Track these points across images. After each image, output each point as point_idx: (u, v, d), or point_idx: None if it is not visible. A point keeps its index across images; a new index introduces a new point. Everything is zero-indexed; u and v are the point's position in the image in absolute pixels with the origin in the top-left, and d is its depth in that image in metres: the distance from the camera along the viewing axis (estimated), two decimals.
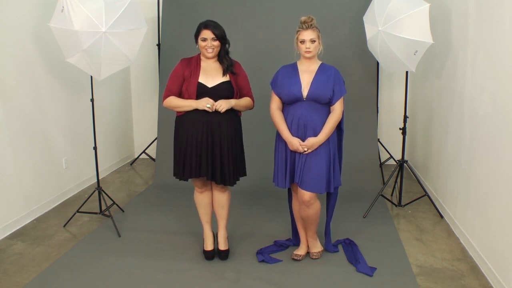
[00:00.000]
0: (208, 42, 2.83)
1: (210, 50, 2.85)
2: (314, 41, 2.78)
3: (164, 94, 2.93)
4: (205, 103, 2.81)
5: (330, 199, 3.08)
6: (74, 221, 3.77)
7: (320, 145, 2.82)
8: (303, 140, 2.82)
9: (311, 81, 2.82)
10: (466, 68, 3.35)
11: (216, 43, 2.85)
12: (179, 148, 2.94)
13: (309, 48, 2.78)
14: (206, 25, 2.84)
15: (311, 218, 2.97)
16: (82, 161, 4.59)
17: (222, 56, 2.92)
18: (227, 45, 2.92)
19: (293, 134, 2.85)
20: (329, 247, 3.18)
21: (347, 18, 4.56)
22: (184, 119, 2.90)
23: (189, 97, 2.86)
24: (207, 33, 2.83)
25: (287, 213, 3.81)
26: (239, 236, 3.41)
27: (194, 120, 2.86)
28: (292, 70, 2.90)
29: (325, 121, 2.83)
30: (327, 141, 2.84)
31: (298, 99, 2.83)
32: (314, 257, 3.07)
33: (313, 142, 2.80)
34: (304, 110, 2.82)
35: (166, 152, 4.82)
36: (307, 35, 2.77)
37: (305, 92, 2.81)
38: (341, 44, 4.52)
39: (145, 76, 5.72)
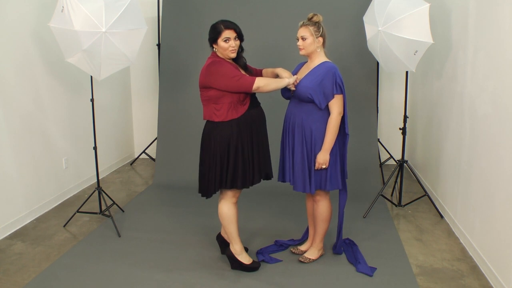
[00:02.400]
0: (232, 42, 2.69)
1: (233, 50, 2.72)
2: (305, 38, 2.75)
3: (249, 80, 2.65)
4: (292, 79, 2.77)
5: (339, 200, 3.06)
6: (74, 221, 3.77)
7: (297, 144, 2.81)
8: (293, 137, 2.83)
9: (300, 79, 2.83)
10: (466, 68, 3.35)
11: (238, 42, 2.74)
12: (235, 154, 2.73)
13: (299, 45, 2.80)
14: (226, 25, 2.68)
15: (316, 218, 2.99)
16: (82, 161, 4.59)
17: (240, 54, 2.82)
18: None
19: (284, 131, 2.92)
20: (335, 249, 3.15)
21: (347, 18, 4.56)
22: (234, 122, 2.72)
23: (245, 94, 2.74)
24: (229, 33, 2.68)
25: (289, 214, 3.82)
26: (240, 236, 3.40)
27: (246, 120, 2.75)
28: (300, 67, 2.95)
29: (308, 120, 2.78)
30: (303, 140, 2.79)
31: (288, 96, 2.89)
32: (301, 259, 3.02)
33: (320, 156, 2.76)
34: (292, 108, 2.87)
35: (166, 152, 4.82)
36: (299, 32, 2.79)
37: (293, 89, 2.83)
38: (341, 44, 4.52)
39: (145, 76, 5.72)
